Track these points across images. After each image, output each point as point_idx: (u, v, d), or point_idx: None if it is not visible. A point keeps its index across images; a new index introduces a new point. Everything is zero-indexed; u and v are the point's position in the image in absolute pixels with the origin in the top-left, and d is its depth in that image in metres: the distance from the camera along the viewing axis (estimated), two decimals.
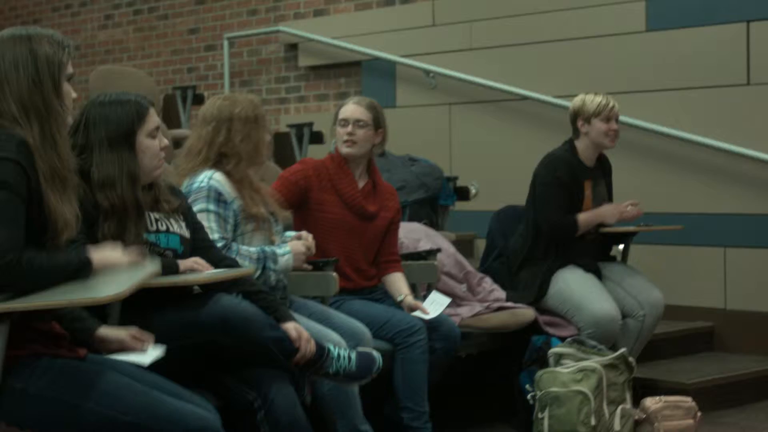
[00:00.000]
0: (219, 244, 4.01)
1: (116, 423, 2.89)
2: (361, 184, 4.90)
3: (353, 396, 4.30)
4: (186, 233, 3.74)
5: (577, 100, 5.48)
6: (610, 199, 5.56)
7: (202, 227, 3.88)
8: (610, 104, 5.41)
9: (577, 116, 5.45)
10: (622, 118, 5.71)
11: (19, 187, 2.81)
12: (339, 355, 3.79)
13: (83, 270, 2.89)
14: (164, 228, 3.67)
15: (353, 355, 3.82)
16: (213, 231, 4.06)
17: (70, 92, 3.04)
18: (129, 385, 2.96)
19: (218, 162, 4.24)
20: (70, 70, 3.03)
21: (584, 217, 5.37)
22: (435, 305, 4.84)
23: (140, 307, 3.40)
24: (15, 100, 2.91)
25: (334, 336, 4.14)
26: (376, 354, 3.90)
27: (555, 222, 5.36)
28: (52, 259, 2.85)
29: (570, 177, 5.39)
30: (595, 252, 5.54)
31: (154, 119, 3.62)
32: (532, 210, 5.46)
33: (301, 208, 4.79)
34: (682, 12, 6.64)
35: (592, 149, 5.46)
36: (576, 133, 5.47)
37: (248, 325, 3.55)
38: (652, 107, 6.67)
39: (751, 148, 6.24)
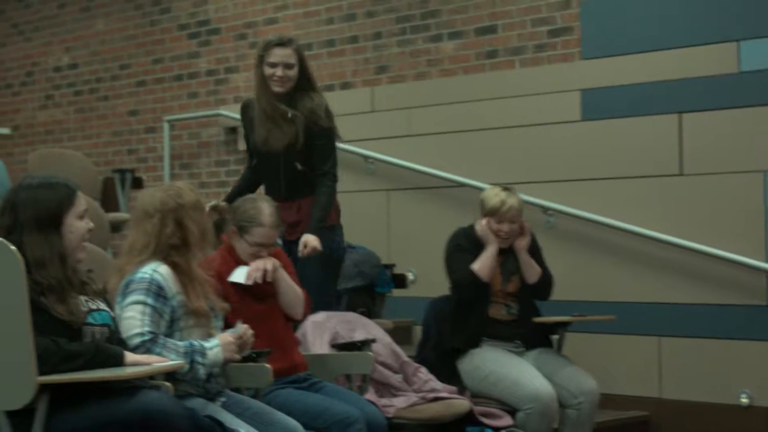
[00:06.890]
0: (146, 338, 3.97)
1: None
2: None
3: None
4: (110, 312, 3.84)
5: (483, 193, 5.64)
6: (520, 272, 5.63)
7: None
8: (505, 207, 5.51)
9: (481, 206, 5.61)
10: (557, 205, 5.79)
11: None
12: None
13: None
14: (95, 307, 3.76)
15: None
16: (144, 324, 4.00)
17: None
18: None
19: (167, 255, 4.20)
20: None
21: (477, 264, 5.47)
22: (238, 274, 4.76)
23: (66, 398, 3.43)
24: None
25: None
26: None
27: (459, 279, 5.50)
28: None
29: (469, 243, 5.55)
30: (532, 338, 5.60)
31: (81, 202, 3.78)
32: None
33: None
34: (616, 103, 6.73)
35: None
36: None
37: (168, 422, 3.53)
38: (586, 196, 6.74)
39: (683, 237, 6.33)
